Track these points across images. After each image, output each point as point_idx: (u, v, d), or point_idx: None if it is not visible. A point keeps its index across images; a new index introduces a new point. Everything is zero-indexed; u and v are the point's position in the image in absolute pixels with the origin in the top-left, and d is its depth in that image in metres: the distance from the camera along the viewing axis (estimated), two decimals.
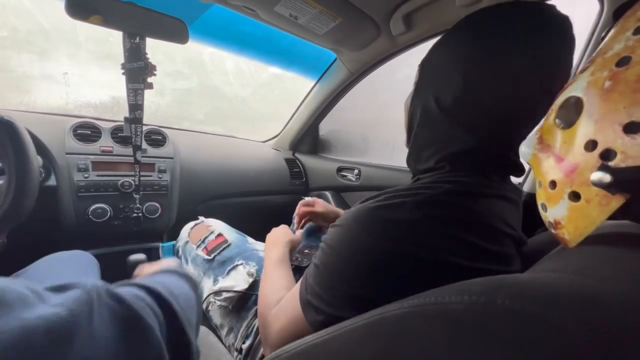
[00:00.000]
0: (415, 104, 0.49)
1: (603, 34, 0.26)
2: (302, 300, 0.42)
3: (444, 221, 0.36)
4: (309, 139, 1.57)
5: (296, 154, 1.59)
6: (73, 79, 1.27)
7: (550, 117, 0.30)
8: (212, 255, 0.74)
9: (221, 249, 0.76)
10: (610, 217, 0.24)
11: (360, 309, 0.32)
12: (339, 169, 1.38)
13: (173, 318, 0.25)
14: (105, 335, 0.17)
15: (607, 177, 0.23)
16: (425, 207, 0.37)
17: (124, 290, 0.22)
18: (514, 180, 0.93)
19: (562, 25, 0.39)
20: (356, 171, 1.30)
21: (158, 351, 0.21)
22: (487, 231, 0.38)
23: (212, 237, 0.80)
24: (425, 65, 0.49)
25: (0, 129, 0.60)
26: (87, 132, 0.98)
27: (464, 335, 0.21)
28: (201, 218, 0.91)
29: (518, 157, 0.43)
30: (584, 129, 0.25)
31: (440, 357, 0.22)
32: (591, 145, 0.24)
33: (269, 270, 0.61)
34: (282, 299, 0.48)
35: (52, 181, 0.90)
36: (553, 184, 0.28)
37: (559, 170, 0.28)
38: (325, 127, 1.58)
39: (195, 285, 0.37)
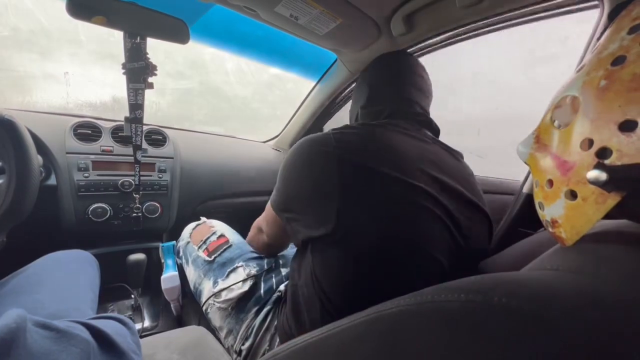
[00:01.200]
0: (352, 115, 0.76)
1: (599, 35, 0.26)
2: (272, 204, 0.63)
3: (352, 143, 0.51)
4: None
5: None
6: (74, 78, 1.27)
7: (547, 116, 0.30)
8: (213, 257, 0.74)
9: (222, 250, 0.75)
10: (607, 216, 0.24)
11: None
12: None
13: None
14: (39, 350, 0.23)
15: (603, 175, 0.23)
16: (339, 132, 0.53)
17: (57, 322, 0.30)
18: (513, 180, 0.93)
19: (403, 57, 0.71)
20: None
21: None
22: (395, 152, 0.50)
23: (214, 237, 0.80)
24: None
25: (0, 127, 0.60)
26: (87, 131, 0.98)
27: (461, 334, 0.21)
28: (203, 219, 0.91)
29: (425, 112, 0.67)
30: (580, 127, 0.25)
31: (438, 355, 0.22)
32: (587, 143, 0.25)
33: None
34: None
35: (52, 180, 0.90)
36: (550, 183, 0.29)
37: (556, 169, 0.28)
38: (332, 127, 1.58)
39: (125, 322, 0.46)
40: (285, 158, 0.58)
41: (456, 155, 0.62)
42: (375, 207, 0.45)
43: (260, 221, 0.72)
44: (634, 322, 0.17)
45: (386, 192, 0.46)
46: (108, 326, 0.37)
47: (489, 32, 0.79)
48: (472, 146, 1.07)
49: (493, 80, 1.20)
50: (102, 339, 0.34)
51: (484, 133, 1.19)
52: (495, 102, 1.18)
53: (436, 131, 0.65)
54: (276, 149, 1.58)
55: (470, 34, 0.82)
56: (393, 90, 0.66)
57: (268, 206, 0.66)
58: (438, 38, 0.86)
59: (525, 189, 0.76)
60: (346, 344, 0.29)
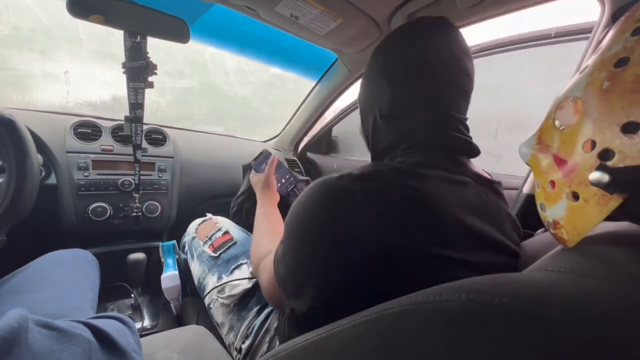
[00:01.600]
0: (366, 119, 0.54)
1: (602, 36, 0.26)
2: (275, 269, 0.47)
3: (383, 196, 0.37)
4: (325, 140, 1.63)
5: (310, 155, 1.61)
6: (74, 77, 1.27)
7: (550, 117, 0.30)
8: (218, 253, 0.75)
9: (227, 246, 0.76)
10: (609, 218, 0.24)
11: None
12: None
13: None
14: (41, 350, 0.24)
15: (605, 177, 0.23)
16: (365, 179, 0.39)
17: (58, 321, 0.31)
18: (512, 180, 0.94)
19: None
20: None
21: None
22: (435, 218, 0.37)
23: (219, 234, 0.80)
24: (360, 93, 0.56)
25: (0, 127, 0.60)
26: (87, 130, 0.98)
27: (462, 333, 0.21)
28: (209, 215, 0.91)
29: (467, 136, 0.47)
30: (583, 129, 0.25)
31: (438, 355, 0.22)
32: (589, 145, 0.25)
33: (256, 223, 0.72)
34: (268, 253, 0.55)
35: (52, 179, 0.90)
36: (552, 184, 0.29)
37: (558, 170, 0.28)
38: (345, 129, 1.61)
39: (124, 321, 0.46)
40: (302, 201, 0.43)
41: (496, 189, 0.49)
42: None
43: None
44: (636, 323, 0.17)
45: (419, 272, 0.36)
46: (109, 325, 0.37)
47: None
48: (489, 146, 1.13)
49: (515, 90, 1.22)
50: (103, 338, 0.34)
51: (501, 134, 1.21)
52: (515, 108, 1.20)
53: (476, 153, 0.48)
54: (276, 149, 1.58)
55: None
56: (430, 103, 0.46)
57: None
58: None
59: (525, 190, 0.76)
60: (347, 344, 0.29)
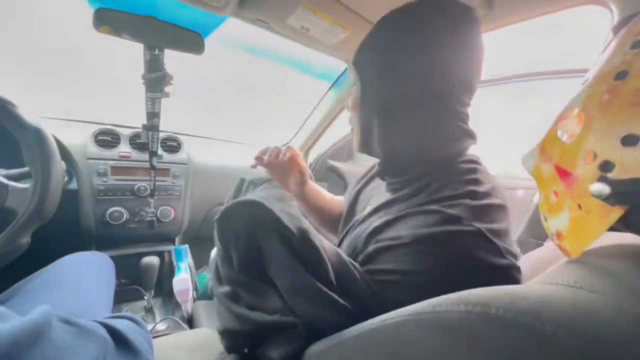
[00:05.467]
0: (371, 104, 0.48)
1: (603, 48, 0.27)
2: None
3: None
4: (345, 147, 1.63)
5: (332, 162, 1.61)
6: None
7: (552, 128, 0.30)
8: None
9: None
10: (613, 229, 0.24)
11: None
12: None
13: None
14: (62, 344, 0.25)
15: (606, 189, 0.23)
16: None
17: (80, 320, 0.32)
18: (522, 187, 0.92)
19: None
20: None
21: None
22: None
23: None
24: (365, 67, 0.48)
25: (28, 135, 0.64)
26: (107, 138, 1.03)
27: (460, 343, 0.22)
28: None
29: None
30: (584, 140, 0.26)
31: None
32: (591, 156, 0.25)
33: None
34: None
35: (74, 185, 0.94)
36: (554, 195, 0.29)
37: (560, 181, 0.28)
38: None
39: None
40: None
41: None
42: None
43: None
44: (631, 337, 0.17)
45: None
46: (123, 325, 0.38)
47: None
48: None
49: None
50: (117, 337, 0.35)
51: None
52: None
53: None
54: None
55: None
56: (440, 117, 0.43)
57: None
58: None
59: (536, 199, 0.75)
60: (349, 354, 0.30)
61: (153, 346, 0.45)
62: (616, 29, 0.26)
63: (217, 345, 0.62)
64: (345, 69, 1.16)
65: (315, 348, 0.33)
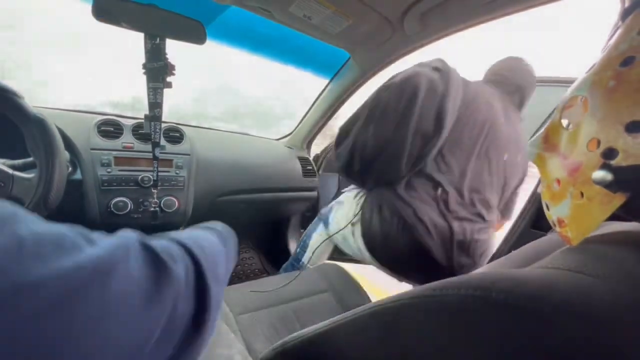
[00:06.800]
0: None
1: (610, 35, 0.26)
2: None
3: None
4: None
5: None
6: (98, 77, 1.33)
7: (556, 116, 0.30)
8: None
9: None
10: (614, 216, 0.24)
11: None
12: None
13: (197, 266, 0.29)
14: (138, 275, 0.21)
15: (608, 176, 0.23)
16: None
17: (156, 242, 0.26)
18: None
19: None
20: None
21: (177, 290, 0.25)
22: None
23: None
24: None
25: (32, 126, 0.65)
26: (110, 128, 1.03)
27: (460, 326, 0.22)
28: None
29: None
30: (588, 128, 0.25)
31: (438, 345, 0.23)
32: (595, 143, 0.25)
33: None
34: None
35: (78, 175, 0.95)
36: (557, 183, 0.29)
37: (563, 169, 0.28)
38: None
39: (225, 240, 0.40)
40: None
41: None
42: None
43: None
44: (630, 321, 0.18)
45: None
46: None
47: None
48: None
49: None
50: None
51: None
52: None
53: None
54: (289, 147, 1.60)
55: None
56: None
57: None
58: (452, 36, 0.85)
59: (540, 190, 0.75)
60: (352, 334, 0.31)
61: None
62: (624, 15, 0.25)
63: (224, 331, 0.63)
64: (348, 59, 1.15)
65: (321, 328, 0.34)
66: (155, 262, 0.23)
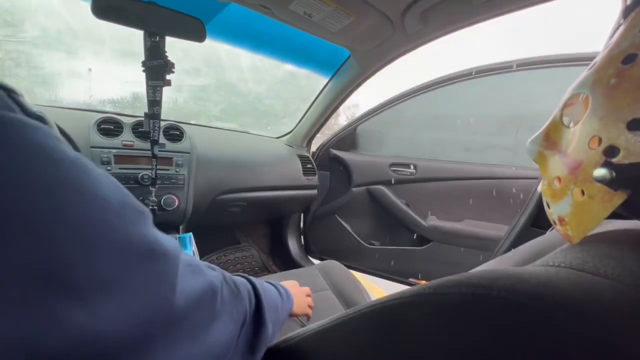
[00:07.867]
0: None
1: (612, 32, 0.26)
2: None
3: None
4: (349, 137, 1.65)
5: (335, 151, 1.61)
6: (97, 75, 1.33)
7: (557, 114, 0.30)
8: None
9: None
10: (614, 215, 0.24)
11: None
12: (392, 164, 1.42)
13: (259, 302, 0.38)
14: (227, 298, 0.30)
15: (609, 174, 0.23)
16: None
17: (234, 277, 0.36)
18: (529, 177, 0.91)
19: None
20: (412, 166, 1.37)
21: (244, 314, 0.33)
22: None
23: None
24: None
25: None
26: (110, 127, 1.03)
27: (460, 325, 0.22)
28: None
29: None
30: (589, 125, 0.25)
31: (438, 345, 0.23)
32: (596, 141, 0.25)
33: None
34: None
35: None
36: (557, 181, 0.29)
37: (564, 167, 0.28)
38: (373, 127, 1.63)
39: (283, 296, 0.50)
40: None
41: None
42: None
43: None
44: (630, 319, 0.18)
45: None
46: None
47: None
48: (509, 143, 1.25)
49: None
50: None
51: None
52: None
53: None
54: (289, 145, 1.60)
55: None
56: None
57: None
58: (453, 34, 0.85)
59: (540, 189, 0.75)
60: (352, 332, 0.31)
61: None
62: (627, 12, 0.25)
63: None
64: (348, 57, 1.15)
65: (322, 326, 0.34)
66: (234, 291, 0.32)
